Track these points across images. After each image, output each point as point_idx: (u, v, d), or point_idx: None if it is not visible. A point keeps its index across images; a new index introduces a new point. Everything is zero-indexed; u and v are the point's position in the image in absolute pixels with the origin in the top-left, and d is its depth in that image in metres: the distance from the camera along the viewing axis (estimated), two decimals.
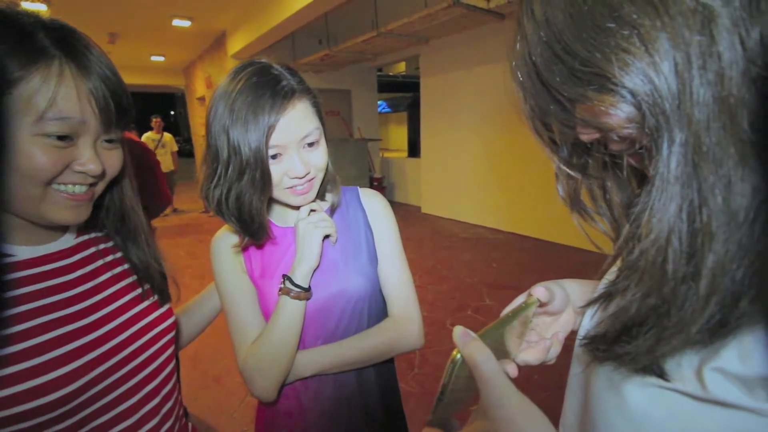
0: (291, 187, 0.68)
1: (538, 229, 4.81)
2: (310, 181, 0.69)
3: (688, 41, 0.25)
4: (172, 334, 0.65)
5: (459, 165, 5.73)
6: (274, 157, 0.65)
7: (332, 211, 0.79)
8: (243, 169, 0.63)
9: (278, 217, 0.78)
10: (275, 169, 0.65)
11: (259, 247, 0.75)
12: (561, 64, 0.30)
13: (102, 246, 0.62)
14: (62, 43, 0.47)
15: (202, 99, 8.40)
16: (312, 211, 0.73)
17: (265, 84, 0.62)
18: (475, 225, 5.63)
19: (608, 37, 0.27)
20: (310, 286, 0.70)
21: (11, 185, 0.46)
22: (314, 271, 0.71)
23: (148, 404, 0.59)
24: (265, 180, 0.65)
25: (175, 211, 7.43)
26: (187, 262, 4.68)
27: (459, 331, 0.36)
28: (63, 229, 0.57)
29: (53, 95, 0.46)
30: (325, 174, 0.74)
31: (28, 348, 0.47)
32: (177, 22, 5.61)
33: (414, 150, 8.69)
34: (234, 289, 0.73)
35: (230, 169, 0.64)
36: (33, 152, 0.46)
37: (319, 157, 0.69)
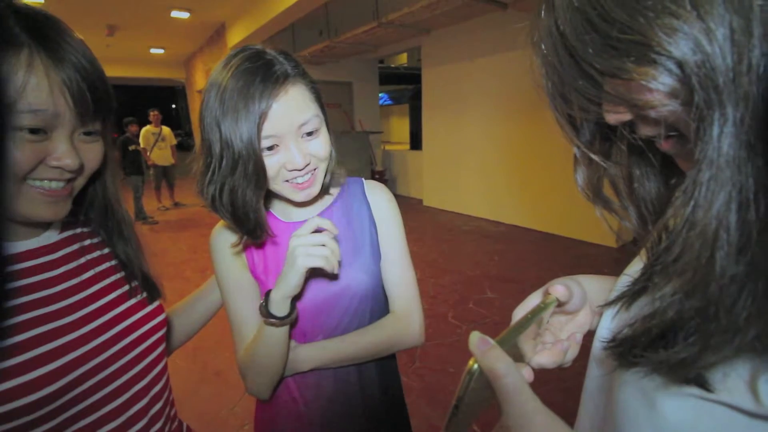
0: (290, 180, 0.64)
1: (541, 221, 4.78)
2: (311, 172, 0.65)
3: (748, 4, 0.21)
4: (162, 332, 0.63)
5: (461, 157, 5.69)
6: (270, 148, 0.60)
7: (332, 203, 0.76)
8: (235, 161, 0.59)
9: (281, 212, 0.74)
10: (271, 161, 0.61)
11: (260, 244, 0.72)
12: (594, 33, 0.27)
13: (87, 242, 0.60)
14: (34, 30, 0.44)
15: (202, 92, 8.35)
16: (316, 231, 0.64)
17: (257, 69, 0.58)
18: (476, 218, 5.60)
19: (653, 0, 0.24)
20: (292, 311, 0.64)
21: None
22: (295, 297, 0.65)
23: (136, 405, 0.57)
24: (258, 173, 0.60)
25: (176, 205, 7.42)
26: (189, 256, 4.67)
27: (476, 339, 0.32)
28: (46, 224, 0.55)
29: (22, 86, 0.43)
30: (329, 166, 0.70)
31: (6, 347, 0.45)
32: (175, 14, 5.55)
33: (416, 142, 8.64)
34: (233, 284, 0.71)
35: (223, 162, 0.60)
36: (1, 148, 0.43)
37: (319, 147, 0.64)
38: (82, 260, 0.57)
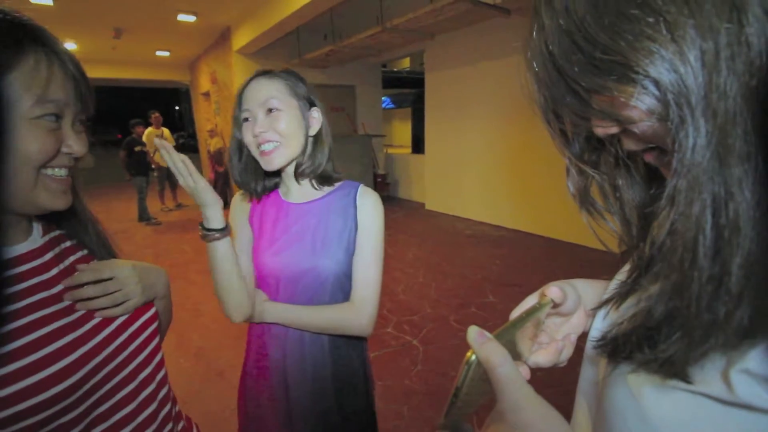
0: (259, 148, 0.81)
1: (542, 226, 4.79)
2: (275, 143, 0.81)
3: (716, 29, 0.24)
4: (156, 324, 0.66)
5: (463, 161, 5.71)
6: (245, 120, 0.82)
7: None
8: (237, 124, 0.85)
9: (283, 193, 0.92)
10: (246, 131, 0.82)
11: (262, 207, 0.91)
12: (580, 54, 0.29)
13: (68, 244, 0.61)
14: (36, 37, 0.49)
15: (206, 94, 8.39)
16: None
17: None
18: (478, 222, 5.61)
19: (632, 24, 0.26)
20: (225, 226, 0.76)
21: (9, 174, 0.47)
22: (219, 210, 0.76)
23: (146, 390, 0.61)
24: (240, 144, 0.85)
25: (179, 206, 7.46)
26: (192, 257, 4.69)
27: (474, 332, 0.34)
28: (29, 228, 0.56)
29: (47, 79, 0.48)
30: (314, 161, 0.86)
31: (23, 345, 0.47)
32: (182, 17, 5.59)
33: (418, 146, 8.67)
34: (237, 234, 0.89)
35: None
36: (29, 137, 0.47)
37: (280, 123, 0.81)
38: (67, 262, 0.58)
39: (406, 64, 11.56)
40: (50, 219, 0.59)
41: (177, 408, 0.71)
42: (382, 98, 8.33)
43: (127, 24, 5.97)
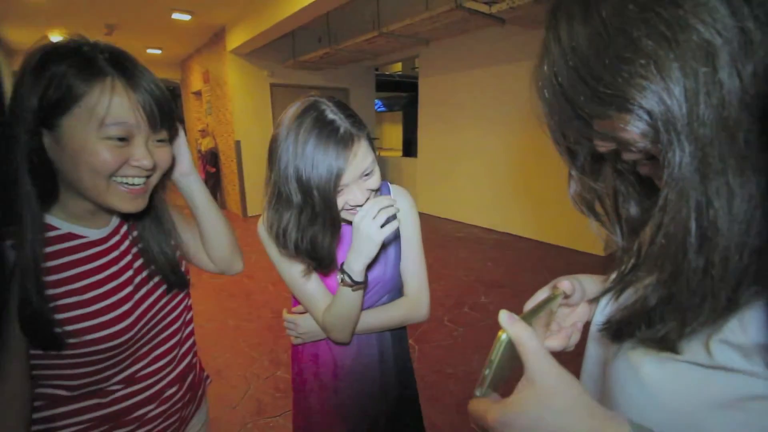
0: (350, 209, 0.78)
1: (532, 230, 4.90)
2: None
3: (696, 71, 0.30)
4: (187, 289, 0.85)
5: (455, 165, 5.80)
6: (339, 191, 0.74)
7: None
8: (316, 215, 0.74)
9: None
10: (338, 200, 0.75)
11: None
12: (585, 86, 0.35)
13: (125, 228, 0.75)
14: (115, 63, 0.59)
15: (197, 93, 8.33)
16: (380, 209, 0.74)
17: (328, 135, 0.71)
18: (469, 225, 5.71)
19: (628, 65, 0.32)
20: (367, 277, 0.80)
21: (84, 179, 0.59)
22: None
23: (180, 332, 0.82)
24: (335, 223, 0.77)
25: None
26: None
27: (505, 314, 0.40)
28: (109, 218, 0.72)
29: (109, 105, 0.57)
30: None
31: (108, 304, 0.67)
32: (177, 16, 5.55)
33: (409, 149, 8.75)
34: (292, 271, 0.86)
35: (303, 215, 0.75)
36: (98, 151, 0.58)
37: (375, 182, 0.78)
38: (125, 244, 0.74)
39: (397, 68, 11.64)
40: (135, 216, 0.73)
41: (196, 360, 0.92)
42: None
43: (121, 20, 5.90)
